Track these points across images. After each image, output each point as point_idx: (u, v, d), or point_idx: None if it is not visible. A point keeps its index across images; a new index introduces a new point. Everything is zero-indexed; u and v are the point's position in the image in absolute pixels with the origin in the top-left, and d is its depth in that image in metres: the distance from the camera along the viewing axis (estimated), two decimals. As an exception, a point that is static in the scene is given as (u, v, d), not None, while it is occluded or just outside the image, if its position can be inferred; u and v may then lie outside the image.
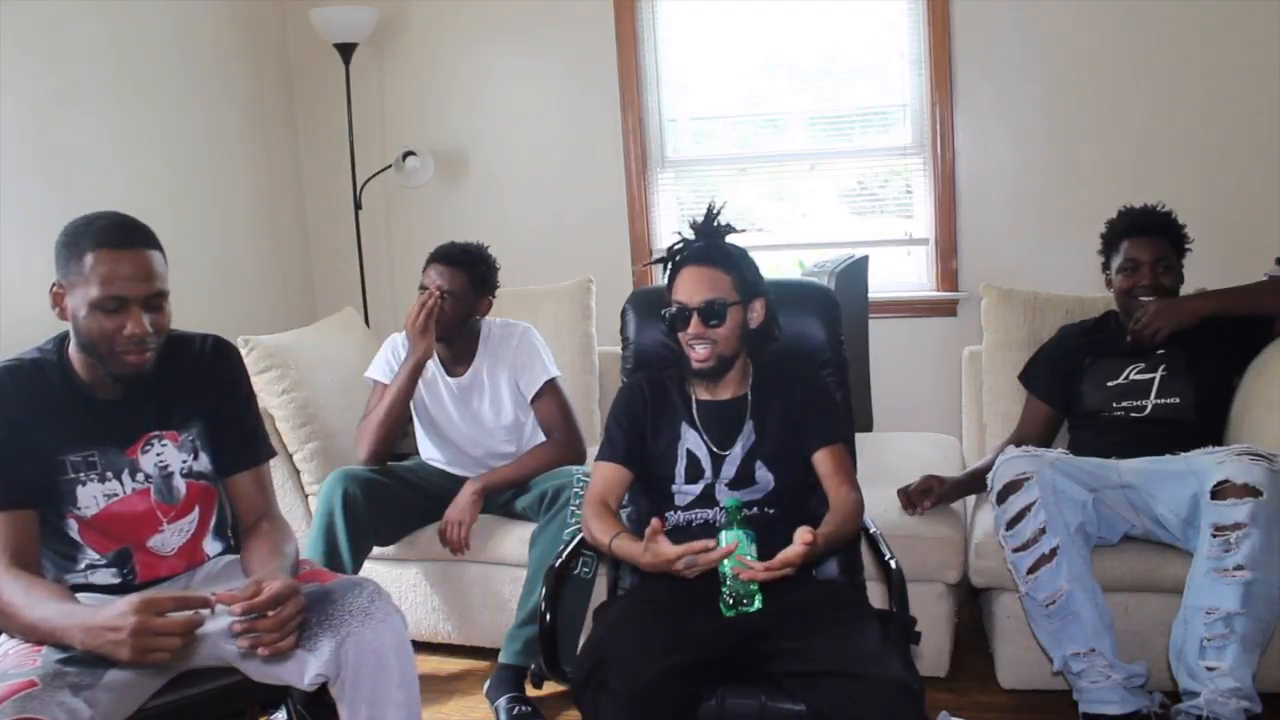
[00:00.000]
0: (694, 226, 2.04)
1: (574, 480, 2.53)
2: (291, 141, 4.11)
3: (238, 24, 3.80)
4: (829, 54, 3.70)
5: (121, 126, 3.25)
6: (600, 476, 2.04)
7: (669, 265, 2.03)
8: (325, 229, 4.14)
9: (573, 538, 2.16)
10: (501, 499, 2.73)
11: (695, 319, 1.95)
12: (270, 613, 1.55)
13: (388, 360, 2.74)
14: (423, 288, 2.65)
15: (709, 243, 2.02)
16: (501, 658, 2.53)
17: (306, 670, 1.68)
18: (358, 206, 3.93)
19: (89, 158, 3.11)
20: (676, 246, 2.04)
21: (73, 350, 1.76)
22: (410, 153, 3.81)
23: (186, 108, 3.53)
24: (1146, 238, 2.50)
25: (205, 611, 1.53)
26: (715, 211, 2.04)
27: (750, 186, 3.86)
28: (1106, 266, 2.60)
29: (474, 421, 2.76)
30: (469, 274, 2.66)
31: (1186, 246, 2.53)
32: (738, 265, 1.99)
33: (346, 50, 3.77)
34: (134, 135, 3.30)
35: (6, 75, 2.84)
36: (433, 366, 2.75)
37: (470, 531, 2.64)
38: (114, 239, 1.66)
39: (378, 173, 3.91)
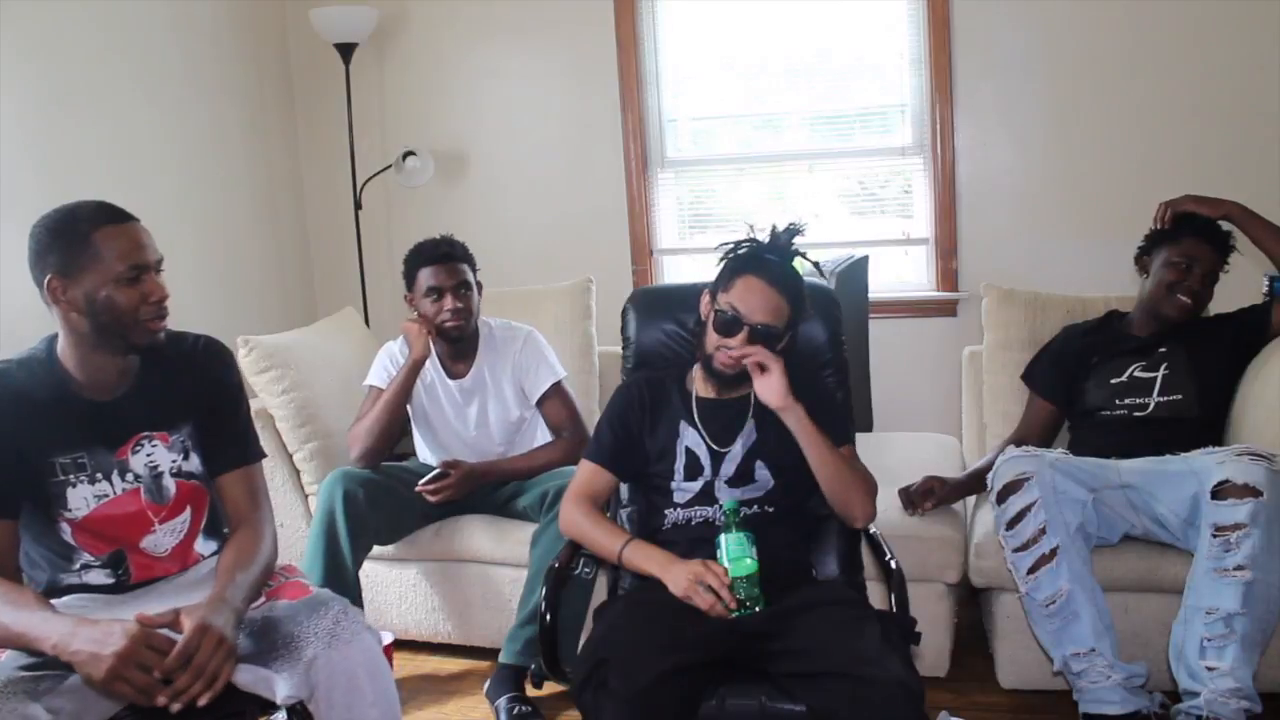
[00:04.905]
0: (773, 235, 1.98)
1: (574, 480, 2.53)
2: (291, 141, 4.11)
3: (238, 24, 3.80)
4: (828, 54, 3.70)
5: (121, 126, 3.24)
6: (583, 475, 2.05)
7: (726, 259, 1.98)
8: (325, 229, 4.14)
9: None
10: (501, 498, 2.73)
11: (745, 334, 1.92)
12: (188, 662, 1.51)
13: (385, 367, 2.73)
14: (436, 289, 2.64)
15: (784, 264, 1.97)
16: (501, 658, 2.53)
17: (277, 689, 1.65)
18: (358, 206, 3.92)
19: (89, 158, 3.11)
20: (744, 247, 1.98)
21: (67, 349, 1.74)
22: (410, 153, 3.81)
23: (186, 108, 3.53)
24: (1210, 246, 2.48)
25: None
26: (799, 230, 1.98)
27: (750, 186, 3.86)
28: (1147, 252, 2.57)
29: (472, 424, 2.75)
30: (466, 263, 2.70)
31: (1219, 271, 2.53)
32: (797, 300, 1.96)
33: (346, 50, 3.76)
34: (134, 135, 3.29)
35: (6, 75, 2.84)
36: (431, 371, 2.75)
37: (446, 497, 2.62)
38: (112, 216, 1.70)
39: (378, 173, 3.91)
